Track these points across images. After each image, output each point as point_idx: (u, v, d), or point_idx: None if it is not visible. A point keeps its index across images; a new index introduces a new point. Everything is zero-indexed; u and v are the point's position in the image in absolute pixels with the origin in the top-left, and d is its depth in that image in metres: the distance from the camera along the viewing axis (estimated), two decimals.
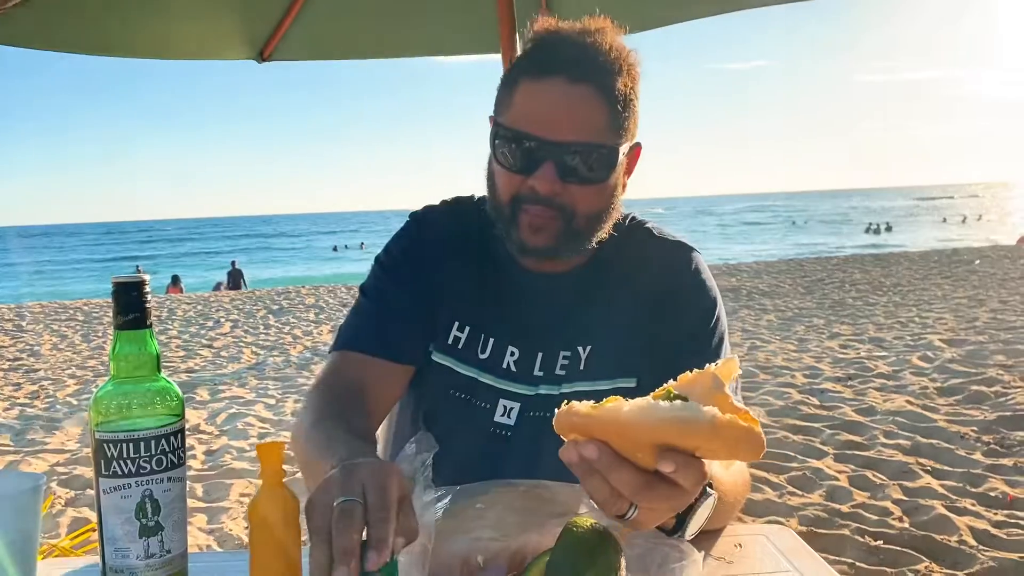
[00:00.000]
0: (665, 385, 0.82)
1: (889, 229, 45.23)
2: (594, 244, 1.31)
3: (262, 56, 2.99)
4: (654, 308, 1.34)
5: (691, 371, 0.80)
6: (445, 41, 3.24)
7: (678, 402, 0.76)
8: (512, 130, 1.22)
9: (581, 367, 1.34)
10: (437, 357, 1.36)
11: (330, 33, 3.08)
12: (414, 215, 1.45)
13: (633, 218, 1.43)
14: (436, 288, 1.36)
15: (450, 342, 1.36)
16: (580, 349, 1.35)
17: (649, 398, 0.78)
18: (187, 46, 2.95)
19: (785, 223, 60.59)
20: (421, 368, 1.36)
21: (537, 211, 1.22)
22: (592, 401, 0.81)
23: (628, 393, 1.29)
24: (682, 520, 0.96)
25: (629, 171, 1.33)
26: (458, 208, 1.45)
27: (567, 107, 1.20)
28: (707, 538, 1.17)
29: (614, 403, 0.78)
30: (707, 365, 0.80)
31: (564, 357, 1.35)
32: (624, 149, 1.26)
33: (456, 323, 1.36)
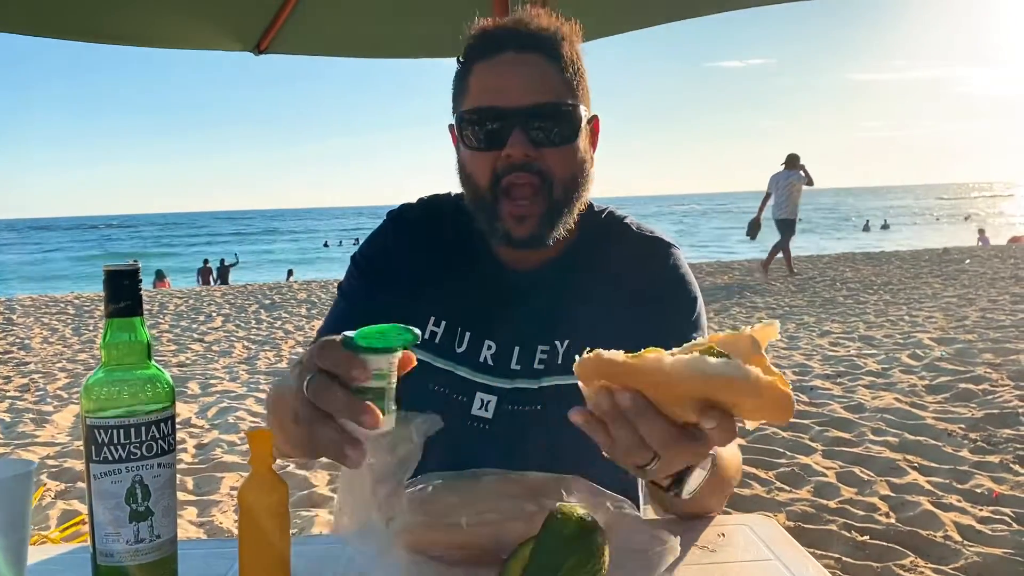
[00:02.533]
0: (704, 339, 0.83)
1: (886, 227, 45.39)
2: (572, 222, 1.33)
3: (258, 49, 3.00)
4: (632, 303, 1.35)
5: (727, 331, 0.82)
6: (440, 42, 3.25)
7: (723, 359, 0.76)
8: (474, 109, 1.27)
9: (559, 361, 1.35)
10: (414, 353, 1.37)
11: (326, 29, 3.09)
12: (391, 213, 1.48)
13: (611, 212, 1.45)
14: (412, 285, 1.38)
15: (427, 337, 1.37)
16: (558, 343, 1.36)
17: (694, 353, 0.78)
18: (182, 35, 2.95)
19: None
20: None
21: (517, 178, 1.25)
22: (591, 351, 0.81)
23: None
24: (680, 478, 0.98)
25: (594, 144, 1.37)
26: (434, 204, 1.47)
27: (521, 74, 1.26)
28: (691, 527, 1.19)
29: (655, 354, 0.78)
30: (743, 328, 0.81)
31: (543, 351, 1.36)
32: (583, 112, 1.30)
33: (432, 318, 1.38)
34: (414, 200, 1.50)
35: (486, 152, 1.27)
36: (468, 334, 1.37)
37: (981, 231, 25.88)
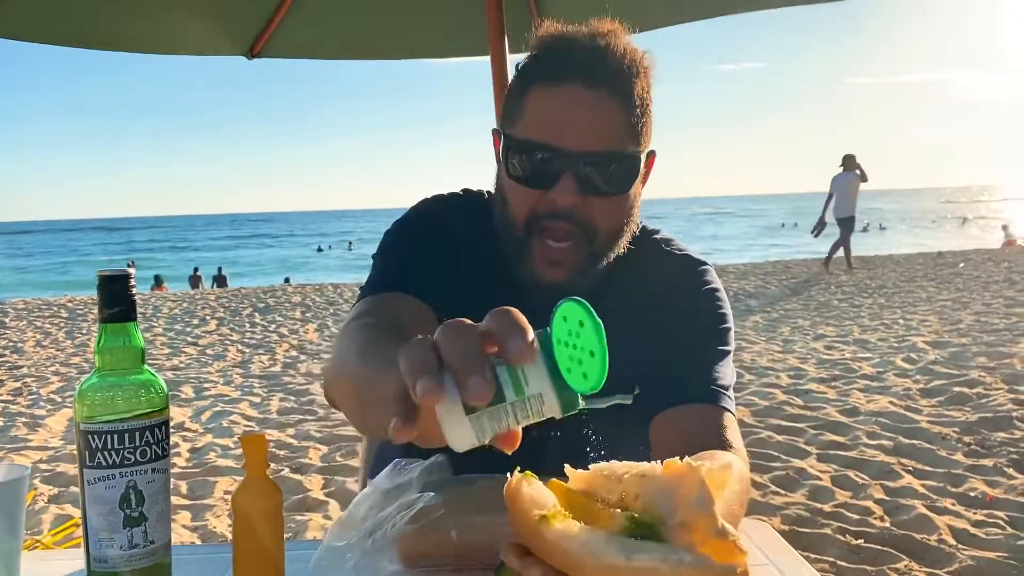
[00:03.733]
0: (647, 471, 0.69)
1: (883, 229, 45.55)
2: (609, 261, 1.25)
3: (251, 52, 2.99)
4: (660, 323, 1.29)
5: (681, 459, 0.67)
6: (433, 44, 3.25)
7: (640, 544, 0.63)
8: (526, 141, 1.16)
9: None
10: None
11: (319, 32, 3.09)
12: (428, 200, 1.39)
13: (644, 227, 1.38)
14: (445, 281, 1.29)
15: None
16: None
17: (602, 533, 0.64)
18: (175, 41, 2.94)
19: (774, 223, 60.84)
20: None
21: (557, 227, 1.16)
22: (566, 467, 0.71)
23: (624, 408, 1.29)
24: None
25: (644, 180, 1.28)
26: (469, 202, 1.39)
27: (585, 113, 1.14)
28: None
29: (562, 526, 0.65)
30: (699, 464, 0.66)
31: None
32: (643, 158, 1.21)
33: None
34: (446, 193, 1.43)
35: (530, 188, 1.17)
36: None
37: (1006, 228, 25.81)
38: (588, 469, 0.72)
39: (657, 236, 1.40)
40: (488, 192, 1.39)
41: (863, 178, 13.42)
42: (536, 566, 0.68)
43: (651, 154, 1.26)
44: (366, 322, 1.10)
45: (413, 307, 1.20)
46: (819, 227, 13.76)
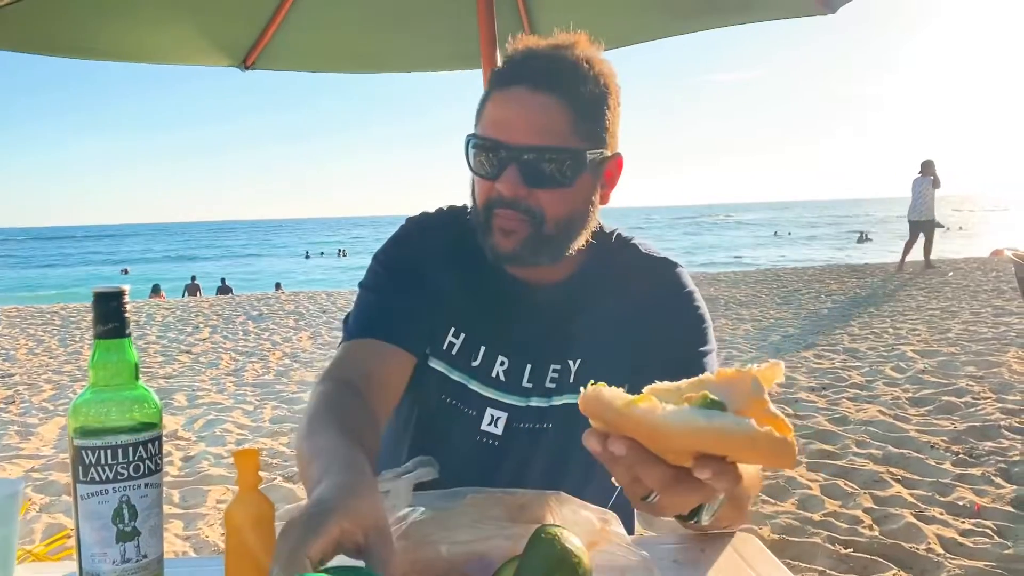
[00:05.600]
0: (710, 375, 0.79)
1: (868, 239, 45.75)
2: (572, 252, 1.33)
3: (245, 64, 3.01)
4: (642, 323, 1.36)
5: (732, 368, 0.78)
6: (427, 57, 3.28)
7: (716, 411, 0.74)
8: (481, 138, 1.28)
9: (571, 380, 1.36)
10: (432, 362, 1.38)
11: (313, 45, 3.11)
12: (413, 220, 1.48)
13: (619, 234, 1.46)
14: (434, 293, 1.38)
15: (445, 347, 1.38)
16: (571, 362, 1.37)
17: (685, 405, 0.75)
18: (171, 51, 2.96)
19: (766, 233, 60.97)
20: (417, 373, 1.37)
21: (505, 215, 1.26)
22: (623, 390, 0.80)
23: None
24: (698, 508, 0.99)
25: (611, 183, 1.35)
26: (453, 216, 1.47)
27: (527, 113, 1.25)
28: (672, 543, 1.20)
29: (648, 405, 0.75)
30: (750, 366, 0.78)
31: (554, 370, 1.37)
32: (593, 156, 1.28)
33: (452, 328, 1.38)
34: (432, 210, 1.50)
35: (484, 180, 1.29)
36: (483, 348, 1.38)
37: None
38: (641, 392, 0.80)
39: (634, 241, 1.46)
40: (465, 205, 1.45)
41: (936, 184, 13.91)
42: (619, 441, 0.78)
43: (615, 156, 1.34)
44: (326, 388, 1.24)
45: (385, 356, 1.32)
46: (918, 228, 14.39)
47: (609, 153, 1.32)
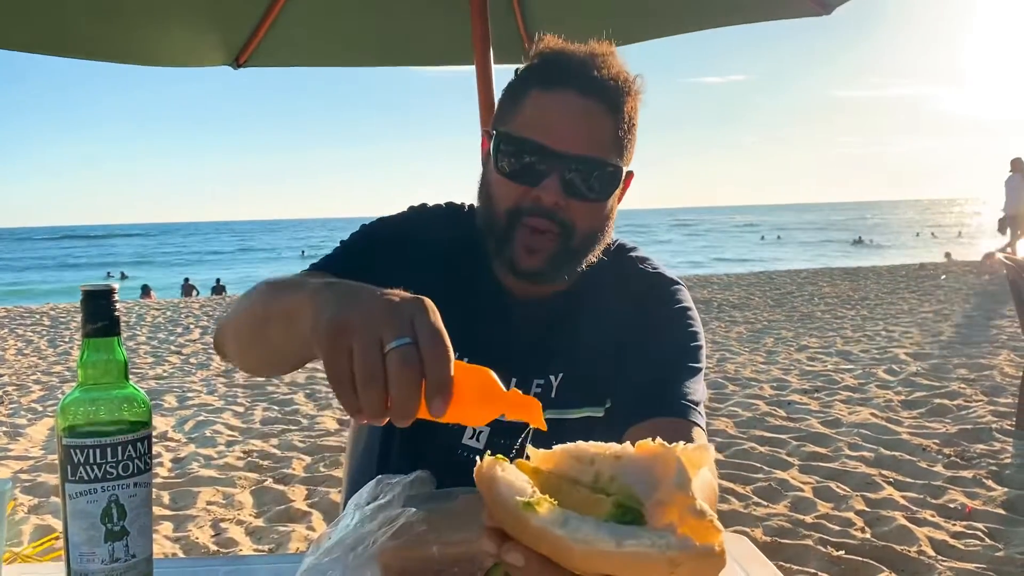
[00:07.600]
0: (621, 450, 0.68)
1: (860, 241, 46.08)
2: (583, 267, 1.29)
3: (237, 62, 2.99)
4: (631, 338, 1.31)
5: (653, 440, 0.67)
6: (418, 52, 3.27)
7: (628, 528, 0.62)
8: (518, 138, 1.22)
9: (552, 395, 1.32)
10: None
11: (305, 41, 3.10)
12: (414, 208, 1.42)
13: (620, 245, 1.42)
14: (417, 284, 1.30)
15: None
16: (552, 377, 1.33)
17: (591, 518, 0.63)
18: (160, 53, 2.94)
19: (757, 236, 61.14)
20: None
21: (537, 223, 1.21)
22: (526, 475, 0.69)
23: (596, 422, 1.31)
24: None
25: (621, 196, 1.32)
26: (453, 215, 1.42)
27: (578, 119, 1.20)
28: None
29: (547, 514, 0.64)
30: (675, 444, 0.66)
31: (537, 384, 1.33)
32: (624, 171, 1.26)
33: None
34: (431, 204, 1.46)
35: (517, 184, 1.22)
36: (466, 360, 1.35)
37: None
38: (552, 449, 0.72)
39: (633, 254, 1.42)
40: (470, 205, 1.42)
41: None
42: (517, 550, 0.67)
43: (630, 173, 1.31)
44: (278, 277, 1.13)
45: None
46: (1003, 225, 14.75)
47: (628, 168, 1.29)
